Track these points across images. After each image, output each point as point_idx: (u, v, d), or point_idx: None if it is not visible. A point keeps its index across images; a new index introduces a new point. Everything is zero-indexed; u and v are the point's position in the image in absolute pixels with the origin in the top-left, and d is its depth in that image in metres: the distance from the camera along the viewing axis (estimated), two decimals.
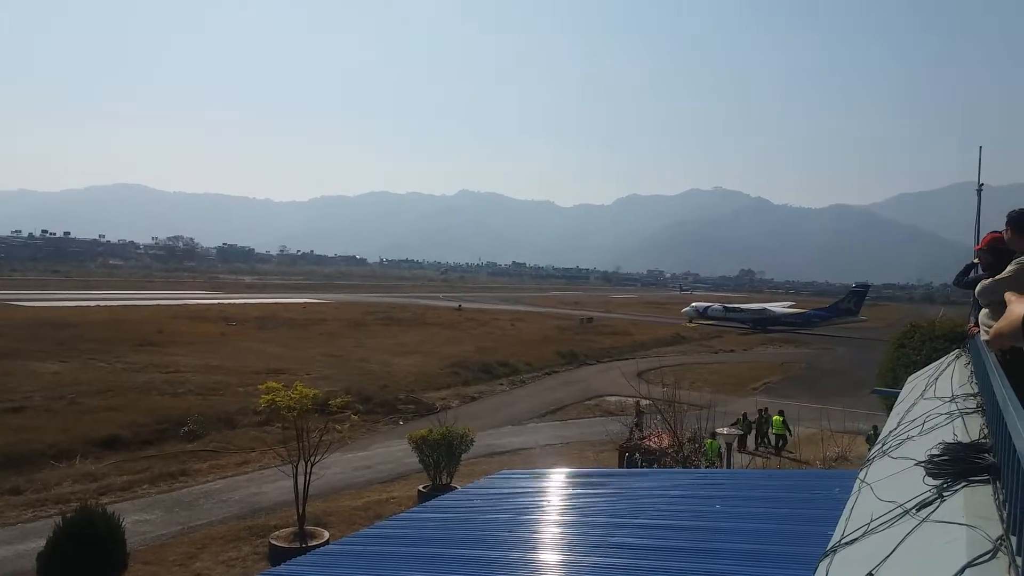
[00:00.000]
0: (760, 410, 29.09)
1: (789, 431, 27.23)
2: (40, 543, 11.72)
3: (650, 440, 20.57)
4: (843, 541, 2.93)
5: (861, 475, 4.06)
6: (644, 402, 21.89)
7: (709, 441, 24.50)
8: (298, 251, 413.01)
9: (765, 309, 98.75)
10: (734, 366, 53.88)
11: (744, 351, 65.74)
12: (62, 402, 27.66)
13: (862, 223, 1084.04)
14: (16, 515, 17.58)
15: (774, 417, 27.68)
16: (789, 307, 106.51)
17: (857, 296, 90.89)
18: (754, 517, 6.72)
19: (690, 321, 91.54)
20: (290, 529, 16.24)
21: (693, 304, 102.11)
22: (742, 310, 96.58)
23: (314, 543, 14.89)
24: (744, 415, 28.53)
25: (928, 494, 2.58)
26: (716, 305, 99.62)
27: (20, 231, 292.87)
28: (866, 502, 3.32)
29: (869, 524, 2.81)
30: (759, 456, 26.01)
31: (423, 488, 19.27)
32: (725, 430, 20.79)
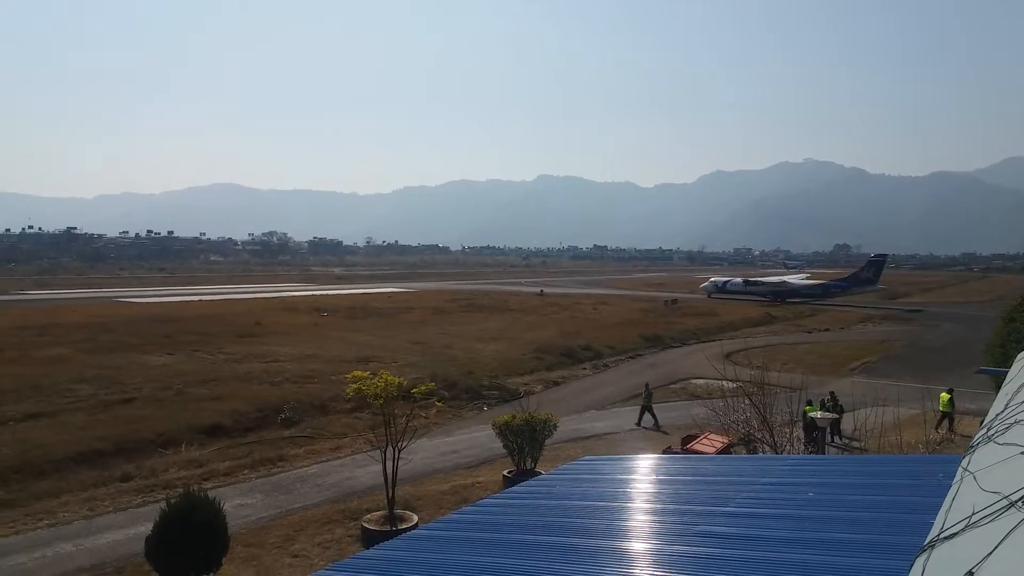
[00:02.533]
0: (830, 393, 27.32)
1: (954, 408, 25.84)
2: (149, 527, 12.45)
3: (701, 444, 19.60)
4: (942, 535, 2.72)
5: (964, 462, 3.78)
6: (729, 384, 21.22)
7: (808, 407, 23.52)
8: (384, 242, 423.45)
9: (784, 282, 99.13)
10: (829, 346, 51.69)
11: (840, 330, 62.93)
12: (169, 392, 29.31)
13: (966, 190, 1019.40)
14: (127, 500, 18.72)
15: (941, 395, 26.44)
16: (806, 278, 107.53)
17: (876, 266, 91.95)
18: (849, 505, 6.41)
19: (708, 295, 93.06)
20: (381, 512, 16.70)
21: (712, 279, 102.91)
22: (761, 283, 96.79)
23: (403, 526, 15.28)
24: (832, 394, 26.87)
25: None
26: (736, 279, 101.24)
27: (127, 231, 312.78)
28: (968, 492, 3.08)
29: (971, 517, 2.60)
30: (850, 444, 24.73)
31: (508, 473, 19.43)
32: (819, 414, 19.92)
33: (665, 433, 26.77)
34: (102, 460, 21.54)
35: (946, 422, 25.76)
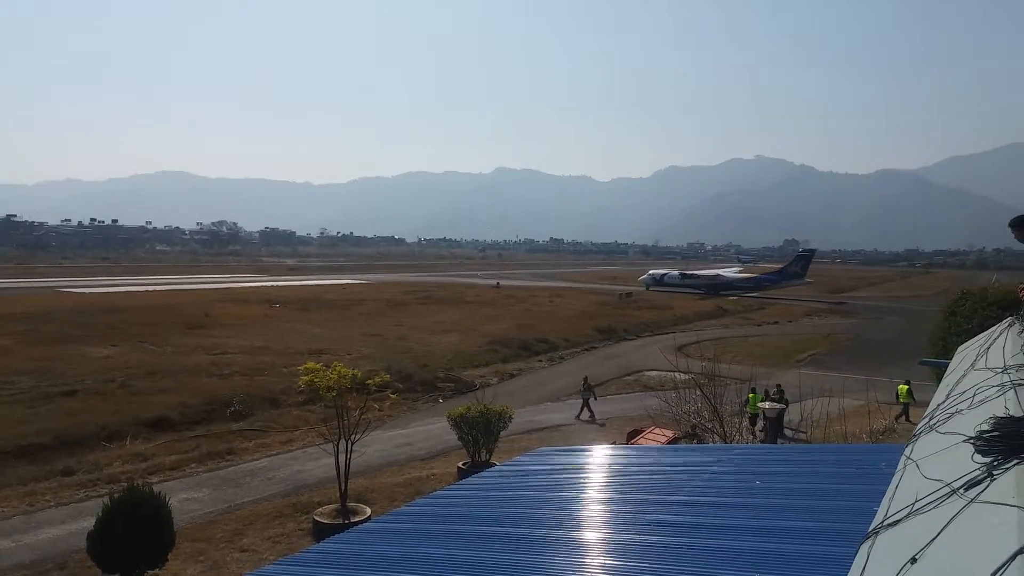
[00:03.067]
0: (776, 386, 27.79)
1: (913, 399, 26.39)
2: (91, 522, 12.08)
3: (646, 439, 19.67)
4: (886, 522, 2.77)
5: (907, 451, 3.87)
6: (682, 376, 21.53)
7: (752, 396, 24.03)
8: (338, 233, 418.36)
9: (719, 275, 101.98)
10: (778, 338, 52.95)
11: (788, 323, 64.53)
12: (113, 385, 28.46)
13: (911, 188, 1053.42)
14: (69, 495, 18.15)
15: (900, 386, 26.86)
16: (739, 271, 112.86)
17: (803, 260, 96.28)
18: (797, 493, 6.53)
19: (647, 288, 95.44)
20: (333, 506, 16.51)
21: (650, 272, 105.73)
22: (697, 276, 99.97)
23: (356, 519, 15.12)
24: (778, 386, 27.35)
25: (977, 472, 2.41)
26: (673, 272, 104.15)
27: (69, 220, 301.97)
28: (911, 480, 3.14)
29: (914, 504, 2.64)
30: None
31: (463, 465, 19.43)
32: (767, 404, 20.37)
33: (600, 425, 27.07)
34: (43, 454, 20.89)
35: (906, 412, 26.47)
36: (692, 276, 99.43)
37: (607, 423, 27.50)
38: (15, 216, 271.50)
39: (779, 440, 22.89)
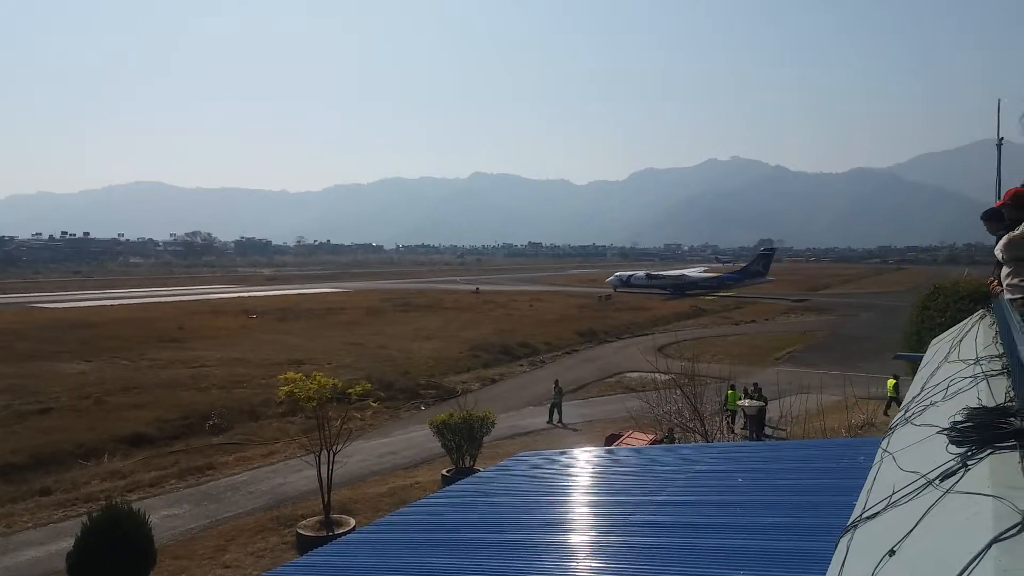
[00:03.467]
0: (753, 384, 28.03)
1: (899, 394, 26.47)
2: (70, 542, 11.87)
3: (629, 441, 19.76)
4: (864, 515, 2.80)
5: (884, 444, 3.91)
6: (662, 377, 21.65)
7: (731, 392, 24.24)
8: (315, 241, 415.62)
9: (684, 275, 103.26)
10: (755, 337, 53.46)
11: (765, 321, 65.19)
12: (88, 401, 28.04)
13: (884, 186, 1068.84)
14: (47, 515, 17.87)
15: (888, 380, 26.68)
16: (704, 271, 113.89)
17: (765, 259, 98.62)
18: (778, 489, 6.60)
19: (614, 289, 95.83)
20: (317, 518, 16.37)
21: (617, 274, 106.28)
22: (663, 277, 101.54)
23: (340, 531, 15.00)
24: (755, 384, 27.38)
25: (951, 463, 2.44)
26: (639, 273, 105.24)
27: (40, 233, 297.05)
28: (888, 472, 3.18)
29: (891, 496, 2.68)
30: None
31: (446, 472, 19.36)
32: (747, 402, 20.53)
33: (574, 431, 26.91)
34: (19, 474, 20.55)
35: (894, 406, 26.65)
36: (658, 277, 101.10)
37: (588, 425, 27.55)
38: None
39: (761, 437, 23.12)
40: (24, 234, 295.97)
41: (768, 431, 25.07)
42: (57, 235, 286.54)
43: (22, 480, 20.15)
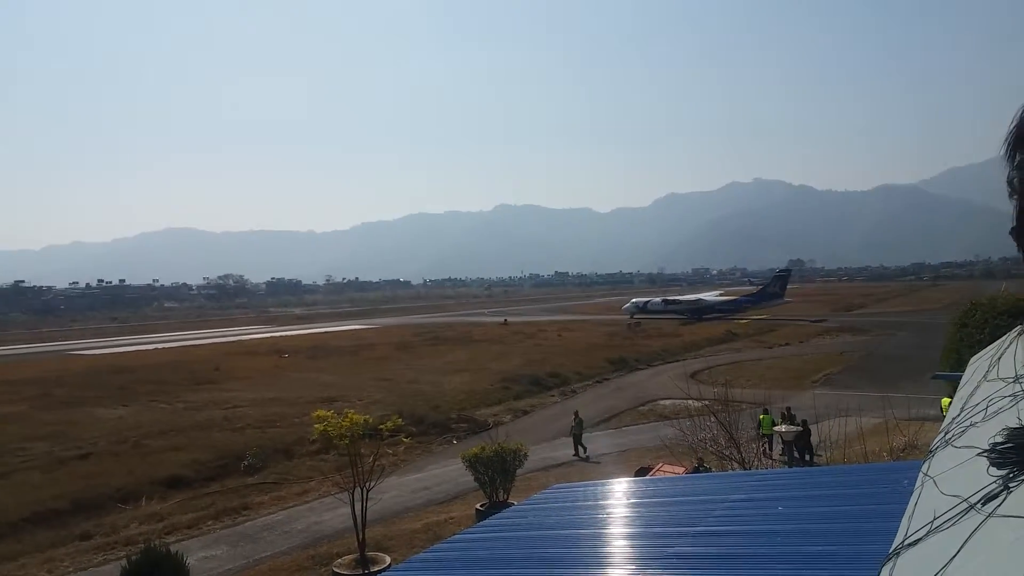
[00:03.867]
0: (786, 408, 27.40)
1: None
2: None
3: (662, 471, 19.40)
4: (906, 542, 2.75)
5: (924, 467, 3.83)
6: (696, 404, 21.36)
7: (764, 417, 23.79)
8: (343, 279, 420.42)
9: (700, 299, 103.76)
10: (791, 360, 52.60)
11: (800, 343, 64.16)
12: (126, 445, 28.48)
13: (912, 202, 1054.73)
14: (87, 559, 18.09)
15: (943, 400, 25.95)
16: (720, 295, 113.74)
17: (781, 280, 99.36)
18: (819, 517, 6.45)
19: (631, 316, 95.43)
20: (352, 556, 16.32)
21: (633, 300, 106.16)
22: (680, 302, 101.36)
23: (376, 569, 14.95)
24: (788, 409, 26.97)
25: (993, 486, 2.39)
26: (656, 299, 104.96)
27: (77, 282, 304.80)
28: (929, 497, 3.12)
29: (932, 522, 2.62)
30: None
31: (480, 506, 19.21)
32: (784, 427, 20.14)
33: (596, 463, 26.19)
34: (60, 519, 20.88)
35: None
36: (675, 302, 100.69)
37: (623, 455, 27.17)
38: (23, 282, 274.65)
39: (811, 460, 22.66)
40: (61, 283, 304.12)
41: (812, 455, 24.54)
42: (93, 283, 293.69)
43: (63, 525, 20.46)
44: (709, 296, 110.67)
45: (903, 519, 3.19)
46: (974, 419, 3.91)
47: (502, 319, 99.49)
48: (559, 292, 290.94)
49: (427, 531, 18.54)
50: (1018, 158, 1.14)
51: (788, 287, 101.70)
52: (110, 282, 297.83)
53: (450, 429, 32.43)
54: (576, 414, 29.15)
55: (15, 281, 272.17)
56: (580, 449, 27.71)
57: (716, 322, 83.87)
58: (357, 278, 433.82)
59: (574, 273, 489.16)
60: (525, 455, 19.89)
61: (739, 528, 6.54)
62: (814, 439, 24.03)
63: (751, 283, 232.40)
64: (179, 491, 23.82)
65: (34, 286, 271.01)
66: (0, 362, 64.98)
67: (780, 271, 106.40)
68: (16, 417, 34.72)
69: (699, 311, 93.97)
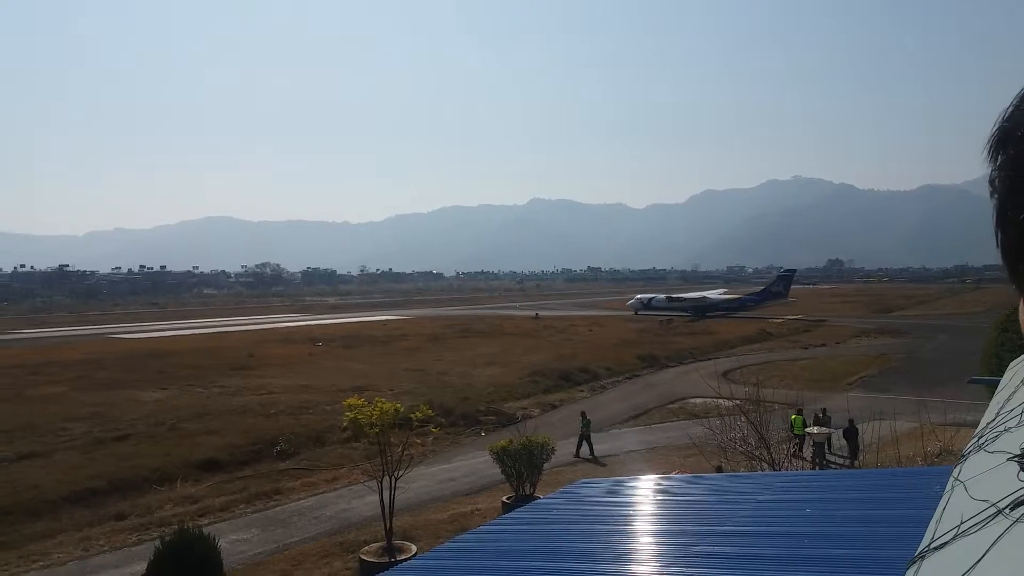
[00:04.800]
0: (821, 410, 26.76)
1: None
2: (144, 566, 12.28)
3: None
4: (932, 545, 2.69)
5: (955, 472, 3.75)
6: (726, 403, 21.14)
7: (795, 416, 23.48)
8: (377, 270, 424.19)
9: (704, 297, 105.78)
10: (826, 361, 51.77)
11: (836, 344, 63.07)
12: (163, 428, 29.12)
13: (955, 202, 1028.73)
14: (122, 539, 18.54)
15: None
16: (723, 294, 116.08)
17: (785, 280, 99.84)
18: (847, 520, 6.35)
19: (635, 312, 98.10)
20: (379, 544, 16.51)
21: (638, 296, 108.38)
22: (684, 299, 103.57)
23: (402, 557, 15.08)
24: (823, 411, 26.36)
25: (1022, 492, 2.34)
26: (660, 296, 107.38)
27: (120, 267, 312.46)
28: (958, 502, 3.05)
29: (960, 526, 2.56)
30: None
31: (506, 499, 19.28)
32: (815, 429, 19.85)
33: (602, 465, 25.75)
34: (96, 499, 21.37)
35: None
36: (679, 299, 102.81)
37: (651, 452, 27.06)
38: (67, 266, 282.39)
39: (856, 461, 22.43)
40: (104, 268, 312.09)
41: (840, 459, 24.21)
42: (135, 269, 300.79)
43: (99, 505, 20.98)
44: (713, 294, 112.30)
45: (931, 523, 3.14)
46: (1008, 424, 3.82)
47: (533, 313, 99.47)
48: (591, 287, 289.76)
49: (453, 522, 18.69)
50: (1000, 158, 1.11)
51: (792, 287, 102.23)
52: (151, 268, 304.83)
53: (478, 421, 32.59)
54: (583, 414, 28.46)
55: (60, 265, 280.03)
56: (586, 448, 27.01)
57: (745, 320, 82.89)
58: (391, 269, 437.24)
59: (607, 269, 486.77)
60: (553, 449, 19.91)
61: (765, 529, 6.47)
62: (845, 441, 23.71)
63: (814, 284, 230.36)
64: (213, 474, 24.30)
65: (78, 270, 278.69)
66: (44, 344, 66.93)
67: (784, 271, 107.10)
68: (58, 398, 35.72)
69: (702, 309, 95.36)
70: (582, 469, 24.41)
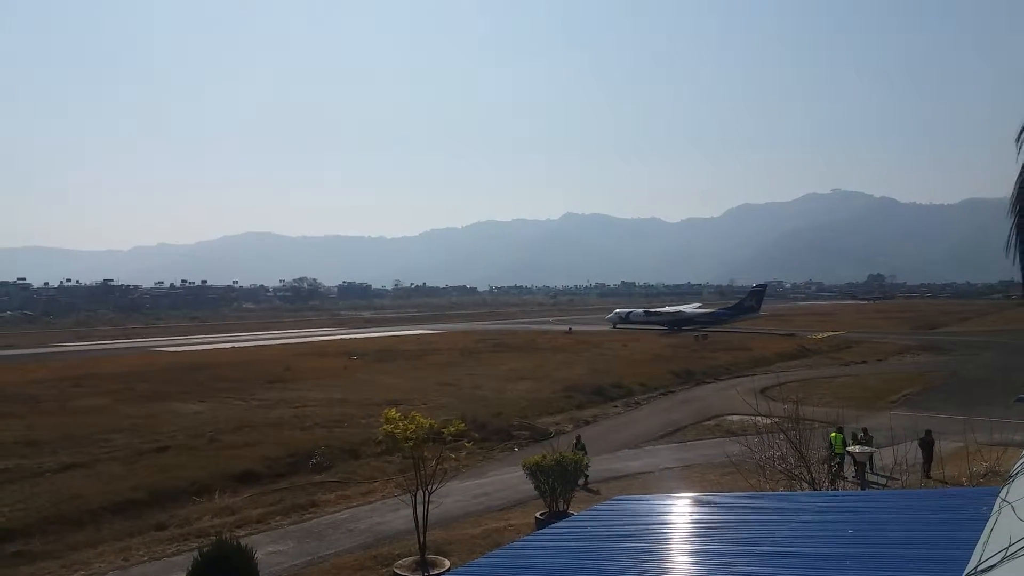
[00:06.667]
0: (862, 430, 26.30)
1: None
2: None
3: None
4: (979, 568, 2.64)
5: (1003, 493, 3.66)
6: (764, 420, 20.79)
7: (834, 434, 22.99)
8: (411, 284, 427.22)
9: (680, 311, 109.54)
10: (867, 378, 50.62)
11: (877, 361, 61.68)
12: (202, 440, 29.62)
13: (1000, 215, 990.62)
14: (161, 549, 18.85)
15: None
16: (698, 308, 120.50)
17: (757, 295, 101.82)
18: (890, 542, 6.21)
19: (614, 326, 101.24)
20: (413, 558, 16.54)
21: (616, 310, 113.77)
22: (660, 313, 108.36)
23: (435, 572, 15.12)
24: (864, 431, 26.14)
25: None
26: (638, 310, 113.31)
27: (162, 282, 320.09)
28: (1006, 524, 2.99)
29: (1008, 548, 2.52)
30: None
31: (540, 515, 19.16)
32: (857, 448, 19.39)
33: (595, 492, 23.27)
34: (137, 509, 21.78)
35: None
36: (656, 313, 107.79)
37: (687, 470, 26.67)
38: (112, 280, 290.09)
39: (929, 476, 22.32)
40: (147, 283, 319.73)
41: (882, 479, 23.58)
42: (177, 283, 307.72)
43: (140, 515, 21.39)
44: (688, 308, 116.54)
45: (978, 544, 3.06)
46: None
47: (567, 328, 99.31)
48: (625, 302, 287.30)
49: (486, 537, 18.62)
50: None
51: (764, 303, 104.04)
52: (193, 283, 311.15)
53: (512, 436, 32.51)
54: (579, 438, 27.05)
55: (104, 280, 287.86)
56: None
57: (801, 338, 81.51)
58: (425, 283, 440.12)
59: (641, 284, 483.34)
60: (587, 465, 19.76)
61: (805, 550, 6.35)
62: (888, 461, 23.06)
63: (860, 299, 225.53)
64: (250, 486, 24.61)
65: (122, 285, 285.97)
66: (88, 357, 68.78)
67: (757, 286, 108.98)
68: (100, 410, 36.59)
69: (677, 323, 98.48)
70: (617, 486, 24.16)
